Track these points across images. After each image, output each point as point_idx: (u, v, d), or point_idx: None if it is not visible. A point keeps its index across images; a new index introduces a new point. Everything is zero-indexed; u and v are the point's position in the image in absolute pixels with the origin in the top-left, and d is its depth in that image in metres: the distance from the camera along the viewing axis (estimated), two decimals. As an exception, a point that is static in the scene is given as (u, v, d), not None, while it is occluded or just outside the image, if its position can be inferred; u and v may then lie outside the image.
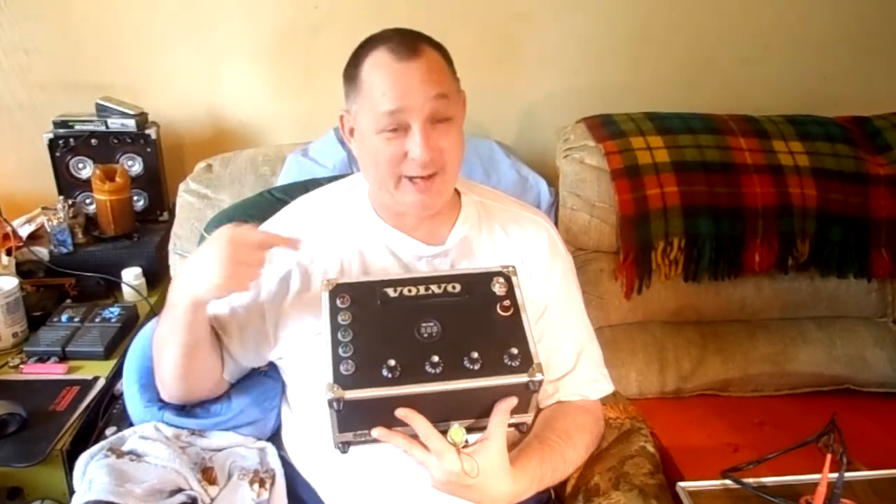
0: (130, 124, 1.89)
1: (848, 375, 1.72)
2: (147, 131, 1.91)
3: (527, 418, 1.03)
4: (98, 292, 1.81)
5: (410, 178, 1.07)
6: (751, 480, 1.18)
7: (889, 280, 1.78)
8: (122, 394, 1.38)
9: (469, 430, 0.98)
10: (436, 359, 0.93)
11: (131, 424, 1.24)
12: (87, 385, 1.48)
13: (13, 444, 1.31)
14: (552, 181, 1.82)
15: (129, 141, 1.91)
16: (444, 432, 0.96)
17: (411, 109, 1.03)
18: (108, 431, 1.33)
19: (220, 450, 1.22)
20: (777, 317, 1.79)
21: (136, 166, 1.94)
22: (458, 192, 1.21)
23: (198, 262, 1.01)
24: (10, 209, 1.92)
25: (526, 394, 0.98)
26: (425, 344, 0.96)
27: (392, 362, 0.93)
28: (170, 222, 1.79)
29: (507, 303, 1.00)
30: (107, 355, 1.56)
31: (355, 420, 0.96)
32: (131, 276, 1.79)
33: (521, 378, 0.95)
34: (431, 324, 0.97)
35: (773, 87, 2.09)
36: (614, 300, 1.72)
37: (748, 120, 1.82)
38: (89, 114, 1.89)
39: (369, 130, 1.06)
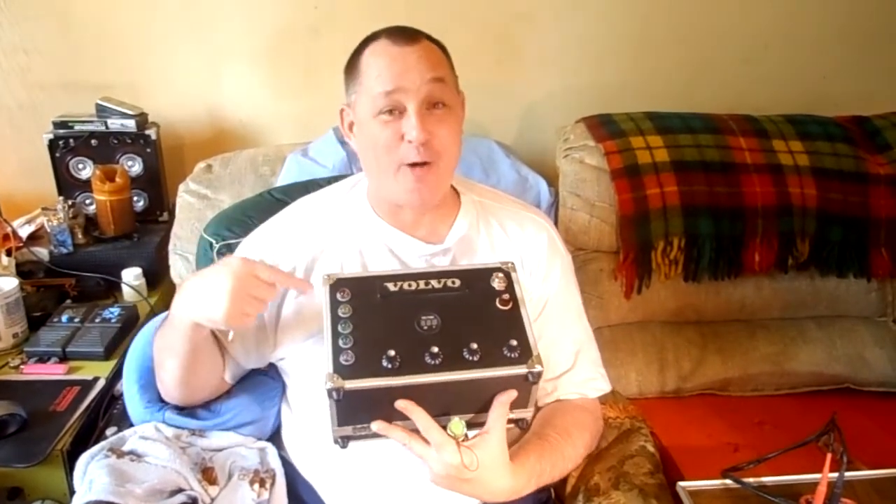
0: (130, 125, 1.89)
1: (848, 375, 1.72)
2: (147, 132, 1.91)
3: (526, 414, 1.03)
4: (98, 293, 1.81)
5: (408, 166, 1.07)
6: (751, 480, 1.18)
7: (889, 279, 1.78)
8: (122, 394, 1.38)
9: (469, 424, 0.98)
10: (435, 350, 0.94)
11: (131, 425, 1.24)
12: (87, 385, 1.48)
13: (14, 444, 1.31)
14: (552, 181, 1.82)
15: (128, 141, 1.91)
16: (443, 426, 0.96)
17: (407, 90, 1.04)
18: (109, 432, 1.33)
19: (220, 450, 1.23)
20: (777, 316, 1.79)
21: (135, 167, 1.94)
22: (456, 192, 1.21)
23: (202, 288, 1.00)
24: (10, 209, 1.92)
25: (525, 386, 0.98)
26: (425, 336, 0.96)
27: (392, 353, 0.93)
28: (170, 223, 1.79)
29: (506, 297, 1.01)
30: (107, 356, 1.56)
31: (354, 412, 0.96)
32: (131, 277, 1.79)
33: (521, 369, 0.95)
34: (431, 317, 0.98)
35: (772, 87, 2.09)
36: (614, 300, 1.72)
37: (748, 119, 1.82)
38: (89, 114, 1.90)
39: (367, 116, 1.07)
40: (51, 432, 1.34)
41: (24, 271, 1.78)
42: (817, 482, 1.09)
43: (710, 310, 1.77)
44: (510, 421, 1.00)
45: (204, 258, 1.47)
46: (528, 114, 2.11)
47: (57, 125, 1.89)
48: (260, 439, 1.26)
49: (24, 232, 1.86)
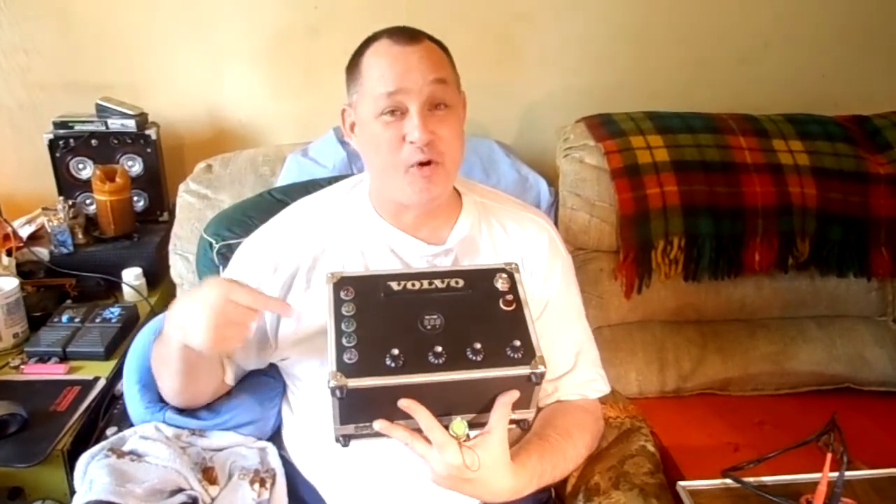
0: (130, 125, 1.89)
1: (848, 374, 1.72)
2: (147, 132, 1.91)
3: (528, 415, 1.03)
4: (98, 293, 1.81)
5: (416, 167, 1.06)
6: (751, 479, 1.18)
7: (889, 279, 1.78)
8: (122, 394, 1.38)
9: (470, 425, 0.98)
10: (439, 349, 0.94)
11: (132, 424, 1.25)
12: (87, 385, 1.48)
13: (14, 444, 1.31)
14: (552, 181, 1.82)
15: (129, 141, 1.91)
16: (445, 426, 0.96)
17: (409, 91, 1.03)
18: (109, 431, 1.33)
19: (220, 449, 1.23)
20: (777, 316, 1.79)
21: (136, 167, 1.94)
22: (458, 193, 1.21)
23: (186, 314, 0.98)
24: (11, 210, 1.92)
25: (528, 387, 0.98)
26: (428, 335, 0.96)
27: (395, 351, 0.93)
28: (170, 223, 1.79)
29: (509, 297, 1.01)
30: (107, 355, 1.56)
31: (357, 411, 0.96)
32: (131, 277, 1.79)
33: (524, 370, 0.95)
34: (434, 316, 0.98)
35: (772, 87, 2.09)
36: (614, 300, 1.72)
37: (748, 119, 1.82)
38: (89, 114, 1.90)
39: (369, 116, 1.07)
40: (51, 432, 1.34)
41: (25, 271, 1.78)
42: (817, 482, 1.09)
43: (710, 309, 1.77)
44: (512, 421, 1.00)
45: (204, 258, 1.47)
46: (528, 114, 2.11)
47: (57, 125, 1.89)
48: (260, 439, 1.27)
49: (25, 232, 1.87)
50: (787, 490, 1.15)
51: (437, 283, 1.02)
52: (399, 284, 1.01)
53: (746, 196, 1.70)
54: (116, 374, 1.50)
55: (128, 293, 1.80)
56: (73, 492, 1.13)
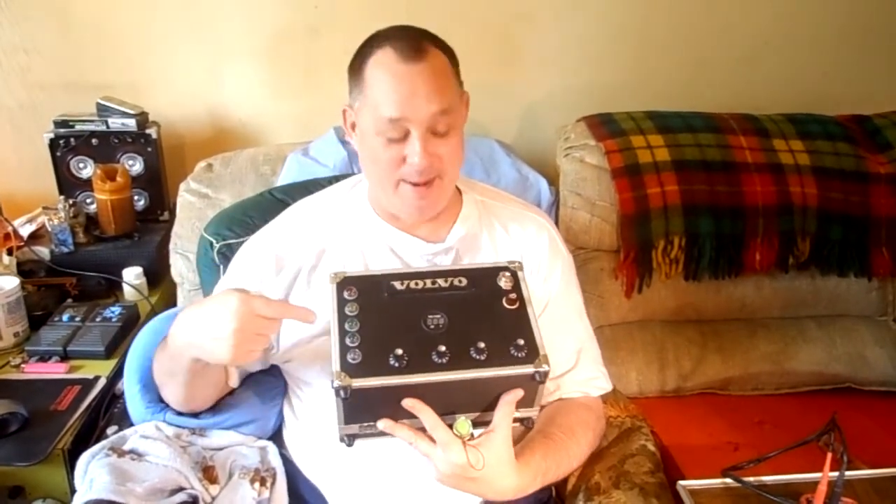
0: (131, 124, 1.89)
1: (848, 374, 1.72)
2: (147, 131, 1.91)
3: (532, 413, 1.04)
4: (99, 292, 1.81)
5: (409, 184, 1.07)
6: (751, 479, 1.18)
7: (889, 279, 1.78)
8: (122, 393, 1.38)
9: (474, 423, 0.98)
10: (442, 348, 0.94)
11: (132, 424, 1.25)
12: (88, 384, 1.48)
13: (15, 443, 1.32)
14: (552, 180, 1.82)
15: (129, 140, 1.92)
16: (449, 425, 0.96)
17: (412, 119, 1.03)
18: (110, 431, 1.33)
19: (220, 449, 1.23)
20: (777, 315, 1.79)
21: (136, 166, 1.94)
22: (458, 191, 1.21)
23: (204, 328, 0.95)
24: (11, 209, 1.92)
25: (532, 385, 0.98)
26: (432, 335, 0.96)
27: (399, 351, 0.93)
28: (170, 222, 1.79)
29: (512, 296, 1.01)
30: (108, 355, 1.56)
31: (361, 411, 0.97)
32: (132, 276, 1.79)
33: (528, 369, 0.95)
34: (438, 315, 0.98)
35: (773, 86, 2.09)
36: (615, 299, 1.72)
37: (748, 118, 1.82)
38: (90, 113, 1.90)
39: (369, 129, 1.06)
40: (52, 431, 1.34)
41: (25, 270, 1.78)
42: (817, 481, 1.09)
43: (711, 309, 1.77)
44: (516, 420, 1.01)
45: (204, 257, 1.47)
46: (528, 113, 2.11)
47: (58, 124, 1.89)
48: (260, 438, 1.27)
49: (25, 231, 1.87)
50: (788, 490, 1.15)
51: (441, 282, 1.01)
52: (402, 284, 1.01)
53: (747, 195, 1.70)
54: (117, 374, 1.50)
55: (128, 292, 1.80)
56: (73, 491, 1.13)
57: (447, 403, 0.97)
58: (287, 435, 1.27)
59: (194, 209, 1.70)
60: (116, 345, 1.59)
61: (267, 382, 1.26)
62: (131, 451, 1.15)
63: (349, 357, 0.94)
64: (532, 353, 0.96)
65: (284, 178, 1.72)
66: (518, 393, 0.97)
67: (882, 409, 1.65)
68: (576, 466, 1.18)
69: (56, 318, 1.65)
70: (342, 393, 0.92)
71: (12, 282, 1.61)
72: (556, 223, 1.73)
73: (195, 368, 1.03)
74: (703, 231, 1.69)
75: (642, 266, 1.70)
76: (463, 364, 0.94)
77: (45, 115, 1.93)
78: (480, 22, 2.00)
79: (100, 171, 1.83)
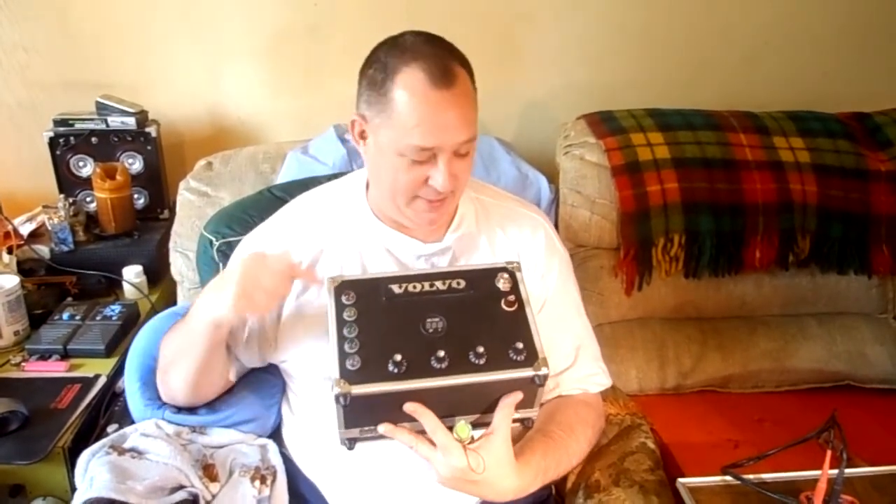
0: (131, 122, 1.89)
1: (848, 372, 1.72)
2: (147, 129, 1.91)
3: (532, 413, 1.04)
4: (99, 290, 1.81)
5: (424, 200, 1.07)
6: (751, 476, 1.18)
7: (889, 276, 1.78)
8: (123, 391, 1.38)
9: (474, 425, 0.98)
10: (441, 353, 0.94)
11: (133, 422, 1.25)
12: (88, 383, 1.48)
13: (15, 441, 1.32)
14: (552, 178, 1.82)
15: (129, 139, 1.92)
16: (449, 427, 0.96)
17: (442, 147, 1.02)
18: (110, 429, 1.33)
19: (221, 447, 1.23)
20: (777, 313, 1.79)
21: (136, 164, 1.94)
22: None
23: (216, 284, 1.05)
24: (11, 208, 1.92)
25: (531, 388, 0.98)
26: (431, 339, 0.96)
27: (398, 357, 0.93)
28: (170, 220, 1.79)
29: (511, 298, 1.00)
30: (108, 353, 1.57)
31: (361, 416, 0.97)
32: (132, 274, 1.79)
33: (527, 372, 0.95)
34: (437, 319, 0.98)
35: (773, 84, 2.09)
36: (614, 297, 1.72)
37: (749, 116, 1.81)
38: (89, 112, 1.90)
39: (391, 148, 1.04)
40: (52, 429, 1.35)
41: (26, 269, 1.78)
42: (817, 479, 1.09)
43: (711, 306, 1.77)
44: (515, 420, 1.01)
45: (204, 256, 1.47)
46: (528, 111, 2.11)
47: (57, 123, 1.89)
48: (261, 436, 1.27)
49: (25, 230, 1.87)
50: (787, 487, 1.15)
51: (439, 284, 1.01)
52: (400, 287, 1.00)
53: (747, 193, 1.69)
54: (117, 372, 1.50)
55: (128, 291, 1.80)
56: (74, 489, 1.13)
57: (447, 406, 0.97)
58: (286, 433, 1.27)
59: (194, 207, 1.70)
60: (116, 343, 1.59)
61: (266, 381, 1.27)
62: (131, 450, 1.16)
63: (348, 363, 0.93)
64: (531, 356, 0.96)
65: (284, 176, 1.72)
66: (517, 395, 0.98)
67: (882, 407, 1.65)
68: (575, 464, 1.18)
69: (56, 317, 1.65)
70: (342, 400, 0.92)
71: (12, 280, 1.61)
72: (556, 221, 1.74)
73: (212, 339, 1.06)
74: (703, 229, 1.68)
75: (642, 264, 1.70)
76: (462, 369, 0.94)
77: (44, 114, 1.93)
78: (481, 20, 2.00)
79: (99, 169, 1.83)
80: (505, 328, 0.98)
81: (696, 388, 1.70)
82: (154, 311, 1.70)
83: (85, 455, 1.14)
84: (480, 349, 0.95)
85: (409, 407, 0.94)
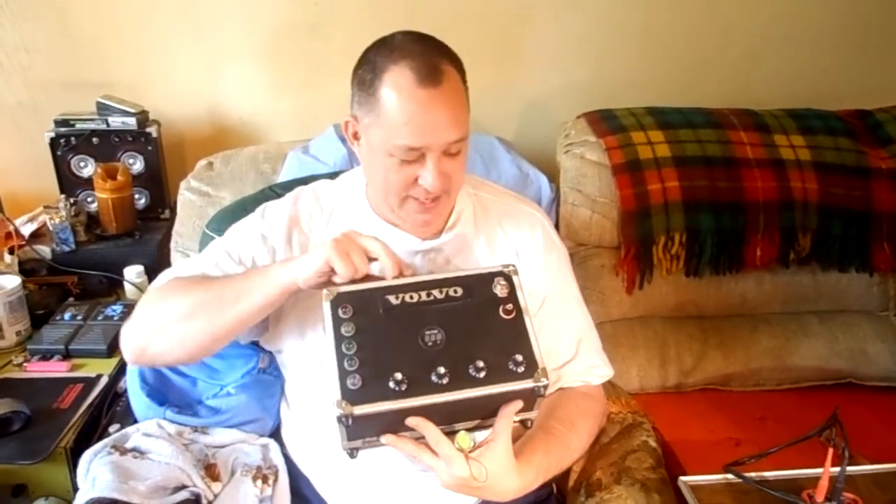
0: (131, 122, 1.89)
1: (850, 369, 1.72)
2: (148, 129, 1.92)
3: (532, 415, 1.04)
4: (100, 290, 1.81)
5: (415, 200, 1.07)
6: (752, 474, 1.18)
7: (891, 274, 1.78)
8: (125, 391, 1.39)
9: (475, 429, 0.99)
10: (442, 370, 0.94)
11: (135, 421, 1.25)
12: (90, 383, 1.48)
13: (17, 441, 1.32)
14: (553, 177, 1.82)
15: (130, 139, 1.92)
16: (450, 433, 0.97)
17: (430, 147, 1.02)
18: (112, 429, 1.34)
19: (222, 446, 1.23)
20: (778, 311, 1.79)
21: (137, 164, 1.94)
22: None
23: (306, 254, 1.02)
24: (12, 208, 1.92)
25: (531, 397, 0.98)
26: (430, 353, 0.96)
27: (399, 376, 0.93)
28: (171, 220, 1.79)
29: (509, 306, 1.00)
30: (110, 353, 1.57)
31: (364, 430, 0.97)
32: (133, 274, 1.79)
33: (527, 384, 0.95)
34: (435, 331, 0.97)
35: (773, 82, 2.09)
36: (615, 295, 1.72)
37: (749, 114, 1.81)
38: (90, 112, 1.90)
39: (381, 148, 1.04)
40: (54, 429, 1.35)
41: (27, 269, 1.79)
42: (819, 477, 1.10)
43: (712, 305, 1.77)
44: (515, 422, 1.01)
45: (206, 255, 1.47)
46: (528, 110, 2.11)
47: (58, 123, 1.89)
48: (262, 436, 1.27)
49: (27, 230, 1.87)
50: (789, 485, 1.15)
51: (436, 293, 1.00)
52: (397, 298, 0.99)
53: (748, 191, 1.69)
54: (119, 372, 1.50)
55: (130, 291, 1.80)
56: (76, 489, 1.14)
57: (448, 416, 0.97)
58: (285, 433, 1.27)
59: (195, 207, 1.71)
60: (118, 343, 1.59)
61: (266, 381, 1.27)
62: (133, 449, 1.16)
63: (349, 382, 0.93)
64: (531, 367, 0.96)
65: (285, 175, 1.72)
66: (518, 404, 0.98)
67: (883, 404, 1.65)
68: (577, 457, 1.19)
69: (58, 317, 1.65)
70: (345, 420, 0.92)
71: (14, 281, 1.61)
72: (557, 220, 1.74)
73: (265, 300, 1.02)
74: (704, 227, 1.68)
75: (643, 262, 1.70)
76: (463, 383, 0.94)
77: (45, 114, 1.93)
78: (481, 20, 2.00)
79: (100, 169, 1.84)
80: (504, 338, 0.98)
81: (698, 387, 1.70)
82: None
83: (87, 455, 1.14)
84: (480, 363, 0.95)
85: (412, 421, 0.95)
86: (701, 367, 1.69)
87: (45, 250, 1.82)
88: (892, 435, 1.53)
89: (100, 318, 1.65)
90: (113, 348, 1.57)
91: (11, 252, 1.77)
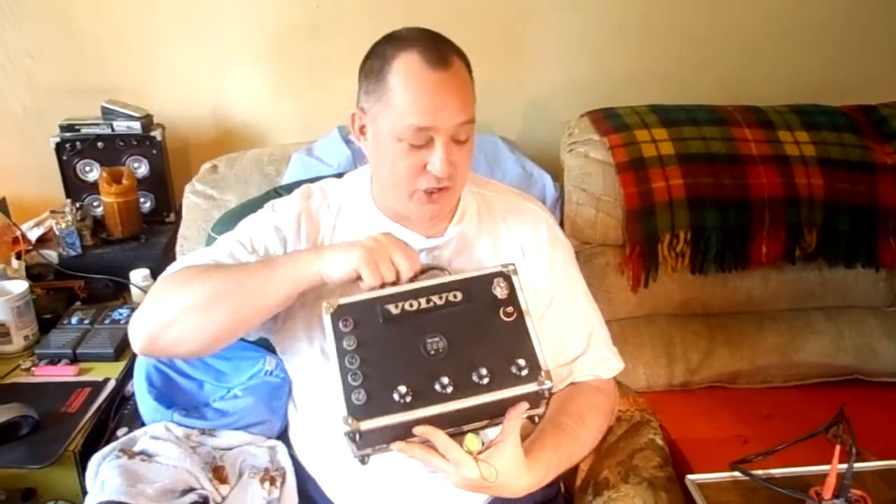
0: (136, 127, 1.90)
1: (856, 366, 1.71)
2: (152, 133, 1.92)
3: (539, 411, 1.04)
4: (107, 294, 1.82)
5: (423, 192, 1.07)
6: (760, 472, 1.18)
7: (897, 269, 1.78)
8: (132, 394, 1.39)
9: (485, 427, 1.00)
10: (445, 380, 0.94)
11: (142, 424, 1.25)
12: (97, 386, 1.49)
13: (26, 445, 1.32)
14: (557, 176, 1.82)
15: (134, 143, 1.92)
16: (458, 435, 0.97)
17: (439, 129, 1.03)
18: (120, 432, 1.34)
19: (230, 449, 1.23)
20: (784, 308, 1.78)
21: (142, 168, 1.95)
22: None
23: (341, 246, 1.03)
24: (19, 213, 1.93)
25: (536, 398, 0.99)
26: (433, 361, 0.96)
27: (403, 389, 0.93)
28: (176, 223, 1.80)
29: (510, 309, 1.00)
30: (117, 356, 1.57)
31: (373, 440, 0.98)
32: (139, 278, 1.80)
33: (531, 387, 0.96)
34: (437, 339, 0.97)
35: (777, 77, 2.08)
36: (621, 294, 1.72)
37: (753, 110, 1.81)
38: (95, 117, 1.91)
39: (389, 135, 1.05)
40: (63, 433, 1.35)
41: (34, 274, 1.79)
42: (826, 474, 1.10)
43: (718, 302, 1.77)
44: (523, 418, 1.01)
45: (211, 258, 1.47)
46: (532, 109, 2.11)
47: (63, 128, 1.90)
48: (269, 438, 1.27)
49: (33, 235, 1.88)
50: (797, 482, 1.15)
51: (435, 299, 1.00)
52: (397, 307, 0.99)
53: (752, 188, 1.69)
54: (126, 375, 1.51)
55: (136, 294, 1.81)
56: (85, 493, 1.14)
57: (455, 420, 0.98)
58: (292, 435, 1.28)
59: (200, 210, 1.71)
60: (125, 347, 1.59)
61: (272, 384, 1.27)
62: (141, 453, 1.16)
63: (354, 398, 0.93)
64: (534, 370, 0.96)
65: (289, 177, 1.72)
66: (524, 405, 0.99)
67: (891, 401, 1.65)
68: (588, 452, 1.19)
69: (65, 321, 1.65)
70: (353, 436, 0.93)
71: (21, 286, 1.62)
72: (561, 219, 1.74)
73: (293, 291, 1.02)
74: (709, 224, 1.68)
75: (648, 260, 1.70)
76: (467, 392, 0.94)
77: (50, 120, 1.93)
78: (482, 19, 2.00)
79: (106, 174, 1.84)
80: (506, 342, 0.98)
81: (704, 384, 1.70)
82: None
83: (95, 459, 1.15)
84: (483, 371, 0.95)
85: (420, 430, 0.96)
86: (707, 365, 1.69)
87: (51, 255, 1.83)
88: (900, 431, 1.53)
89: (107, 321, 1.65)
90: (120, 352, 1.58)
91: (18, 257, 1.78)
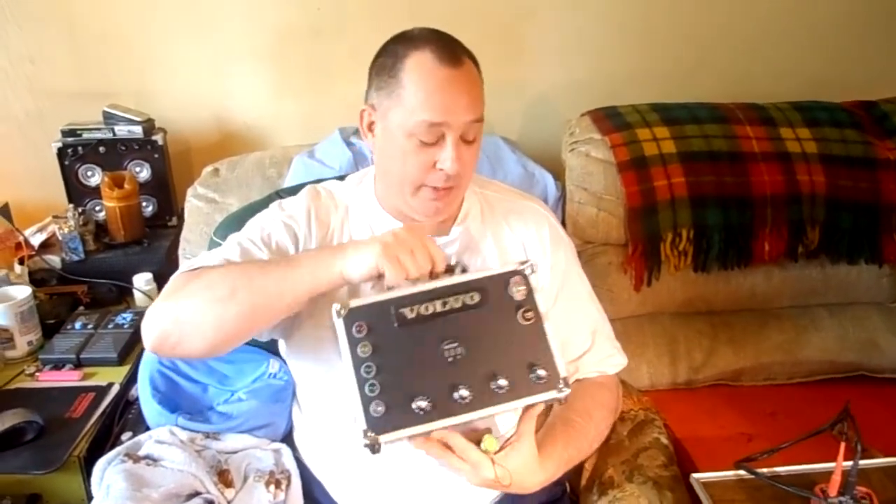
0: (137, 131, 1.90)
1: (861, 362, 1.71)
2: (154, 137, 1.92)
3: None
4: (110, 299, 1.82)
5: (430, 188, 1.08)
6: (765, 470, 1.18)
7: (900, 265, 1.77)
8: (136, 399, 1.39)
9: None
10: (465, 392, 0.93)
11: (147, 429, 1.26)
12: (102, 391, 1.49)
13: (31, 451, 1.32)
14: (558, 175, 1.82)
15: (136, 147, 1.92)
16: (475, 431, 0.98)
17: (451, 125, 1.03)
18: (124, 437, 1.34)
19: (235, 452, 1.24)
20: (788, 305, 1.78)
21: (144, 172, 1.95)
22: None
23: (362, 243, 0.98)
24: (22, 218, 1.94)
25: (554, 403, 0.99)
26: (451, 369, 0.95)
27: (422, 402, 0.92)
28: (179, 227, 1.80)
29: (529, 313, 0.99)
30: (120, 361, 1.57)
31: (391, 447, 0.97)
32: (142, 282, 1.80)
33: (549, 395, 0.96)
34: (454, 345, 0.96)
35: (778, 74, 2.08)
36: (624, 293, 1.72)
37: (754, 108, 1.81)
38: (96, 122, 1.91)
39: (400, 131, 1.05)
40: (67, 439, 1.35)
41: (37, 279, 1.80)
42: (831, 471, 1.09)
43: (721, 300, 1.77)
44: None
45: (214, 262, 1.47)
46: (533, 109, 2.11)
47: (65, 133, 1.90)
48: (274, 440, 1.27)
49: (36, 240, 1.88)
50: (802, 480, 1.15)
51: (452, 301, 0.97)
52: (412, 311, 0.95)
53: (754, 185, 1.69)
54: (130, 380, 1.51)
55: (139, 298, 1.81)
56: (90, 498, 1.14)
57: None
58: (297, 437, 1.28)
59: (202, 214, 1.71)
60: (129, 351, 1.60)
61: (276, 387, 1.27)
62: (146, 457, 1.16)
63: (372, 410, 0.92)
64: (553, 378, 0.96)
65: (291, 180, 1.72)
66: (540, 406, 1.00)
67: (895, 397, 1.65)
68: (595, 447, 1.20)
69: (69, 326, 1.66)
70: (373, 450, 0.92)
71: (25, 291, 1.62)
72: (563, 218, 1.74)
73: (312, 290, 0.98)
74: (711, 222, 1.68)
75: (651, 259, 1.69)
76: (485, 401, 0.94)
77: (52, 125, 1.94)
78: (482, 19, 2.00)
79: (108, 178, 1.84)
80: (524, 348, 0.97)
81: (708, 383, 1.70)
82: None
83: (100, 463, 1.15)
84: (502, 381, 0.95)
85: (437, 434, 0.96)
86: (711, 363, 1.69)
87: (54, 260, 1.83)
88: (905, 427, 1.53)
89: (110, 326, 1.65)
90: (124, 356, 1.58)
91: (21, 262, 1.78)
